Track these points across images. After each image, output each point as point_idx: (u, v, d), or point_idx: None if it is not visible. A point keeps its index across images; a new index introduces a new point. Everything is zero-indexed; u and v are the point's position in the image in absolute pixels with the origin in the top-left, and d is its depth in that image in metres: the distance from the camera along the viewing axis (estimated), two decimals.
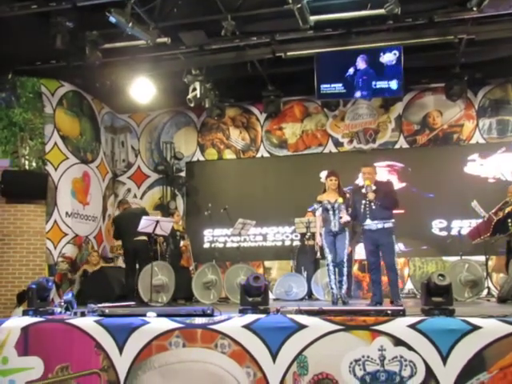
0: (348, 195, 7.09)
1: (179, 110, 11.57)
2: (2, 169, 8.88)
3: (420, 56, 9.06)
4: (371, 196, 6.48)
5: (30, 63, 9.04)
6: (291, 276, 8.99)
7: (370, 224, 6.51)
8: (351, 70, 8.88)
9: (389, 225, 6.51)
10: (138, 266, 8.27)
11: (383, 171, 10.40)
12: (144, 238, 8.03)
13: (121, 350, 4.15)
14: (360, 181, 9.55)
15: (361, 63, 8.84)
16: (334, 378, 3.79)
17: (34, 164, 9.24)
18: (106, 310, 4.59)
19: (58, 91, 9.82)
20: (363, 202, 6.56)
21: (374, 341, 3.78)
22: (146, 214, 8.69)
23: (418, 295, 7.56)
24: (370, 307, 5.33)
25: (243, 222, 8.99)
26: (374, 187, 6.54)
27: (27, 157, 9.17)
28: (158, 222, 7.71)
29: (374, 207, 6.50)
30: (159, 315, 4.32)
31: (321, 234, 7.03)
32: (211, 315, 4.25)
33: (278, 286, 8.78)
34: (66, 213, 9.77)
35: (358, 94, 9.15)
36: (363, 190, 6.60)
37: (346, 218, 6.82)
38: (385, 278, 6.81)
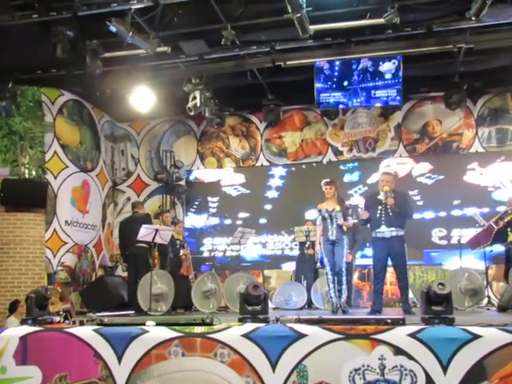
0: (346, 203, 7.08)
1: (179, 118, 11.58)
2: (1, 177, 8.86)
3: (419, 65, 9.07)
4: (391, 201, 6.41)
5: (31, 72, 9.04)
6: (291, 285, 8.96)
7: (385, 231, 6.44)
8: (355, 77, 8.87)
9: (402, 233, 6.49)
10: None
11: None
12: (144, 245, 8.02)
13: (120, 359, 4.13)
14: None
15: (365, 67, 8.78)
16: None
17: (33, 172, 9.24)
18: (105, 319, 4.57)
19: (58, 100, 9.83)
20: (379, 207, 6.50)
21: (374, 350, 3.77)
22: (149, 219, 8.65)
23: (417, 304, 7.51)
24: (369, 316, 5.31)
25: (242, 230, 8.98)
26: (392, 194, 6.49)
27: (27, 165, 9.16)
28: (157, 230, 7.70)
29: (390, 214, 6.43)
30: (158, 324, 4.30)
31: (320, 243, 7.02)
32: (210, 324, 4.23)
33: (278, 295, 8.74)
34: (66, 221, 9.76)
35: (357, 102, 9.15)
36: (379, 197, 6.55)
37: (349, 222, 6.81)
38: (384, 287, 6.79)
